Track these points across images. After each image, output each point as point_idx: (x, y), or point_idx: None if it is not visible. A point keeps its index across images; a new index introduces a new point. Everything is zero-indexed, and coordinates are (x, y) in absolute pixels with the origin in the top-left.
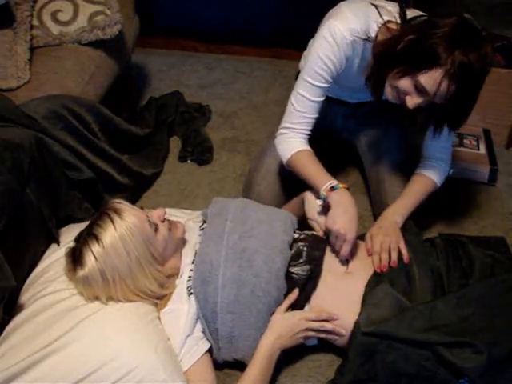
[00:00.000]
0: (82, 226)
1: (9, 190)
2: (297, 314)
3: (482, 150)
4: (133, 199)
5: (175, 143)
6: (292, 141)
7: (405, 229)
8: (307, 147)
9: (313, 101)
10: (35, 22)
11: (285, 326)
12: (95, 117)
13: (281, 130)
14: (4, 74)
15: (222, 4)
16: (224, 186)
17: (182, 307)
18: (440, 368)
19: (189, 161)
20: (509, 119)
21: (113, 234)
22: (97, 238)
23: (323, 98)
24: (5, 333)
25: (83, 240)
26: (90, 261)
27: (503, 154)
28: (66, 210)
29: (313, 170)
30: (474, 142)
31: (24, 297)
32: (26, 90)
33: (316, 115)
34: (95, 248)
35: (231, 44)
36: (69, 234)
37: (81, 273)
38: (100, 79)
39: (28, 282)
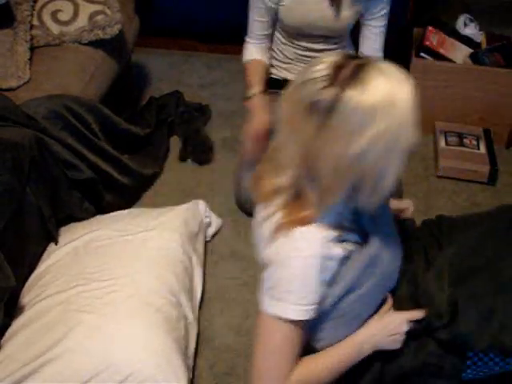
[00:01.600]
0: (83, 225)
1: (9, 190)
2: (401, 314)
3: (482, 149)
4: (133, 199)
5: (175, 143)
6: (248, 49)
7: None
8: (259, 56)
9: (256, 20)
10: (35, 22)
11: (386, 323)
12: (95, 117)
13: (244, 43)
14: (4, 74)
15: (222, 4)
16: (224, 185)
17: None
18: (446, 358)
19: (189, 160)
20: (509, 119)
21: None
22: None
23: (265, 19)
24: (2, 341)
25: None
26: (380, 91)
27: (503, 154)
28: (65, 210)
29: (251, 79)
30: (474, 142)
31: (24, 300)
32: (26, 90)
33: (264, 32)
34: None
35: (231, 44)
36: (69, 234)
37: (370, 99)
38: (100, 79)
39: (28, 284)
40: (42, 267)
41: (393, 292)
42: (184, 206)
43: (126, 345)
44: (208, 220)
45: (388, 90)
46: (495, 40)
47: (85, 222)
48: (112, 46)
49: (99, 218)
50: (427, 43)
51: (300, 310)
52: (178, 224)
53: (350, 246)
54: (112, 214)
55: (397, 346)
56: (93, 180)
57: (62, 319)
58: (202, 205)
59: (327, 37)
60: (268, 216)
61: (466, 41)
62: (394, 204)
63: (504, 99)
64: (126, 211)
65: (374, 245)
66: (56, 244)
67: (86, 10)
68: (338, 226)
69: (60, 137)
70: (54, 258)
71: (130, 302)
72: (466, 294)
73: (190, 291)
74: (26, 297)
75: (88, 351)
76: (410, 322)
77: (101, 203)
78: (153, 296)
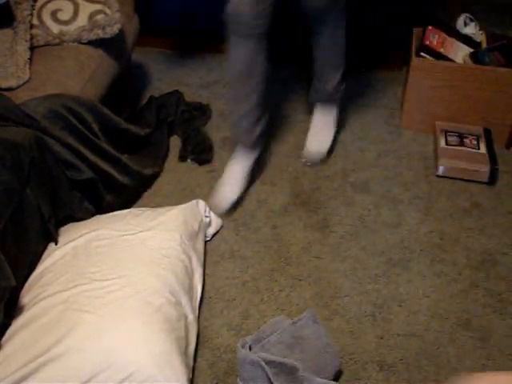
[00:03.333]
0: (83, 225)
1: (9, 190)
2: None
3: (483, 149)
4: (133, 199)
5: (175, 142)
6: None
7: None
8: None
9: None
10: (35, 22)
11: None
12: (95, 116)
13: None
14: (4, 74)
15: (223, 4)
16: None
17: None
18: None
19: (189, 160)
20: (509, 119)
21: None
22: None
23: None
24: (2, 341)
25: None
26: None
27: (503, 154)
28: (66, 210)
29: None
30: (475, 142)
31: (24, 300)
32: (25, 90)
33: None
34: None
35: None
36: (69, 234)
37: None
38: (100, 78)
39: (28, 284)
40: (41, 267)
41: None
42: (184, 206)
43: (127, 345)
44: (208, 219)
45: None
46: (495, 40)
47: (84, 222)
48: (112, 46)
49: (99, 217)
50: (427, 43)
51: None
52: (177, 223)
53: None
54: (112, 213)
55: None
56: (93, 180)
57: (62, 319)
58: (201, 204)
59: None
60: None
61: (466, 40)
62: None
63: (504, 99)
64: (126, 211)
65: None
66: (56, 244)
67: (86, 9)
68: None
69: (60, 136)
70: (54, 258)
71: (130, 302)
72: None
73: (189, 291)
74: (26, 297)
75: (88, 351)
76: None
77: (101, 203)
78: (153, 295)
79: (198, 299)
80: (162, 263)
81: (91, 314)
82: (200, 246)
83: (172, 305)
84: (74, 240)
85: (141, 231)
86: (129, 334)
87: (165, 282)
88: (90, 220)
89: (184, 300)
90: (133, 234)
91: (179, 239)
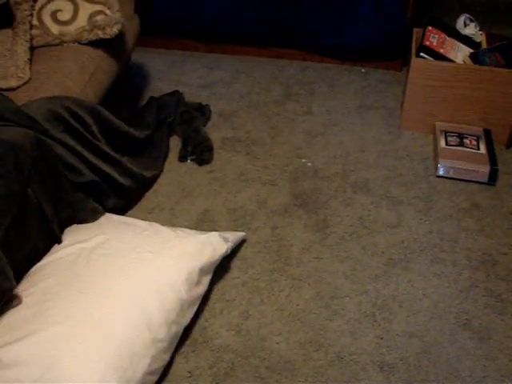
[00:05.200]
0: (87, 227)
1: (10, 193)
2: None
3: (482, 149)
4: (133, 199)
5: (175, 143)
6: None
7: None
8: None
9: None
10: (35, 22)
11: None
12: (96, 119)
13: None
14: (4, 74)
15: (222, 4)
16: (224, 185)
17: None
18: None
19: (189, 160)
20: (509, 119)
21: None
22: None
23: None
24: None
25: None
26: None
27: (503, 154)
28: (68, 211)
29: None
30: (475, 142)
31: (20, 287)
32: (26, 90)
33: None
34: None
35: (231, 44)
36: (72, 235)
37: None
38: (100, 79)
39: (28, 274)
40: (42, 262)
41: None
42: (205, 237)
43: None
44: (226, 251)
45: None
46: (495, 40)
47: (89, 224)
48: (112, 46)
49: (113, 219)
50: (427, 43)
51: None
52: (192, 254)
53: None
54: (128, 219)
55: None
56: (94, 183)
57: (29, 321)
58: (220, 237)
59: None
60: None
61: (466, 41)
62: None
63: (504, 99)
64: (144, 223)
65: None
66: (59, 243)
67: (86, 10)
68: None
69: (61, 139)
70: (56, 257)
71: (102, 323)
72: None
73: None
74: (19, 286)
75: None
76: None
77: (103, 205)
78: (126, 327)
79: (179, 334)
80: (153, 296)
81: (59, 324)
82: (207, 280)
83: (140, 337)
84: (82, 242)
85: (150, 252)
86: (80, 357)
87: (146, 317)
88: (101, 221)
89: (162, 335)
90: (140, 253)
91: (187, 273)
